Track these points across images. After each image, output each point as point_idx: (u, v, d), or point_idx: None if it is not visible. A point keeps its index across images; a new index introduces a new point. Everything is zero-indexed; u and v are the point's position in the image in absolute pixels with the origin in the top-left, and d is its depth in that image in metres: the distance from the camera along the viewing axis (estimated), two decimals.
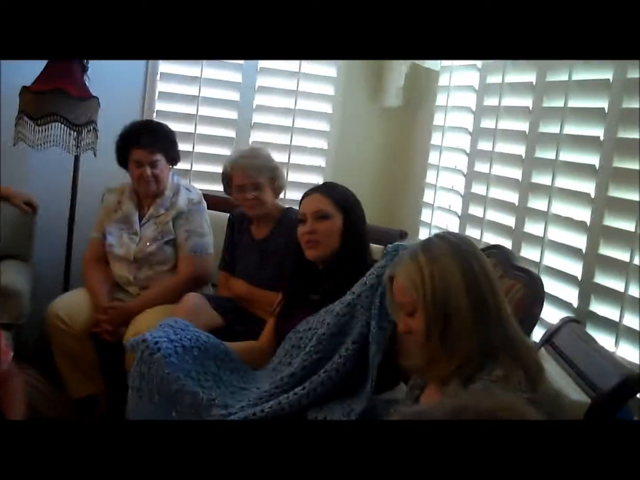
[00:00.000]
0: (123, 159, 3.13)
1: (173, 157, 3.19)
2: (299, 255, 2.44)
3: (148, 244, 3.12)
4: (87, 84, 3.33)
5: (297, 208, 2.57)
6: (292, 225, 2.65)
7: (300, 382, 2.15)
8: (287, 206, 3.10)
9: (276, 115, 3.79)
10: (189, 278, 3.09)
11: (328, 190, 2.46)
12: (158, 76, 3.63)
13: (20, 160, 3.47)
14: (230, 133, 3.74)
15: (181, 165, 3.40)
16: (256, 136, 3.76)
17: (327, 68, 3.80)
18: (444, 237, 1.75)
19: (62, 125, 3.23)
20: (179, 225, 3.13)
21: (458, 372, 1.65)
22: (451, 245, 1.71)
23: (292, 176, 3.77)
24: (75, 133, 3.24)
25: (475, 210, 3.12)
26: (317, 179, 3.76)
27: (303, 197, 2.48)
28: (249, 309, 2.98)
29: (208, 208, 3.25)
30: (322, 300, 2.36)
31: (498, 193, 2.96)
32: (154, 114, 3.63)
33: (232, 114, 3.73)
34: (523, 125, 2.82)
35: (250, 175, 2.95)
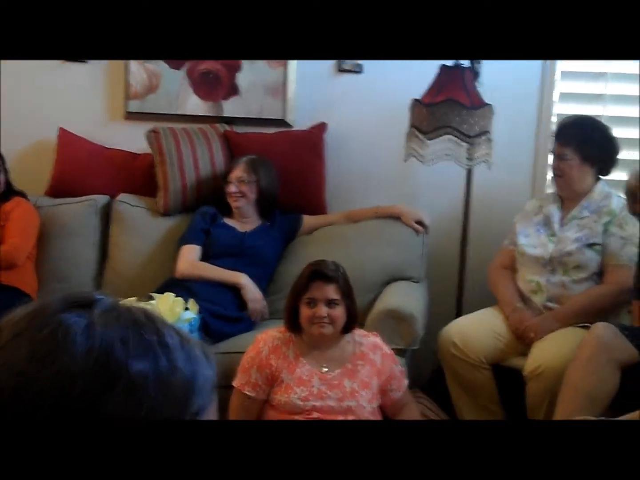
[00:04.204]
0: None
1: (592, 158, 3.09)
2: None
3: (568, 244, 3.06)
4: (480, 92, 3.34)
5: None
6: None
7: None
8: None
9: None
10: (620, 289, 2.95)
11: None
12: (557, 75, 3.50)
13: (410, 177, 3.58)
14: None
15: None
16: None
17: None
18: None
19: (455, 138, 3.26)
20: (611, 232, 3.04)
21: None
22: None
23: None
24: (468, 145, 3.26)
25: None
26: None
27: None
28: None
29: None
30: None
31: None
32: (553, 117, 3.51)
33: None
34: None
35: None
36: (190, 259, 3.24)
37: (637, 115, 3.41)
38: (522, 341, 3.01)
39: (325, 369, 2.59)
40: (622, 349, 2.66)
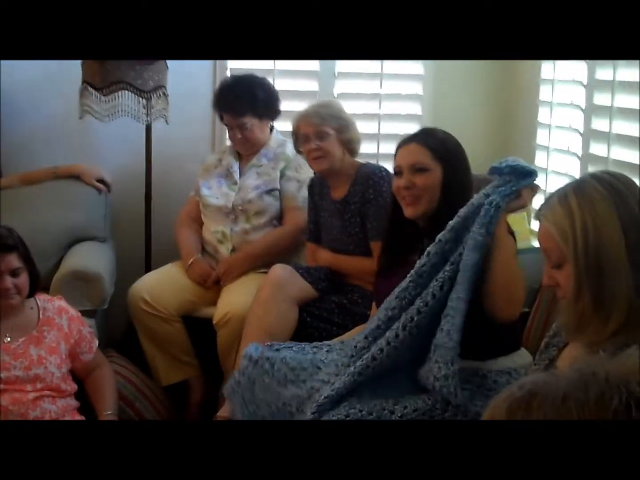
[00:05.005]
0: (220, 120, 3.27)
1: (267, 114, 3.21)
2: (395, 212, 2.35)
3: (248, 192, 3.17)
4: None
5: (375, 162, 2.75)
6: (368, 181, 2.82)
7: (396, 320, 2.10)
8: (363, 161, 3.01)
9: (363, 61, 3.66)
10: (297, 229, 3.13)
11: (425, 138, 2.32)
12: None
13: (89, 134, 3.52)
14: (313, 85, 3.67)
15: None
16: (341, 86, 3.68)
17: None
18: (600, 178, 1.57)
19: (130, 93, 3.23)
20: (287, 176, 3.19)
21: (614, 338, 1.50)
22: (609, 187, 1.54)
23: (386, 127, 3.69)
24: (144, 100, 3.25)
25: (598, 148, 2.94)
26: (414, 128, 3.65)
27: (398, 148, 2.37)
28: (342, 277, 2.94)
29: None
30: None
31: (621, 127, 2.77)
32: (227, 72, 3.59)
33: (314, 65, 3.66)
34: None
35: (313, 123, 2.90)
36: None
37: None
38: (207, 289, 3.11)
39: (8, 339, 2.51)
40: (298, 287, 2.81)
